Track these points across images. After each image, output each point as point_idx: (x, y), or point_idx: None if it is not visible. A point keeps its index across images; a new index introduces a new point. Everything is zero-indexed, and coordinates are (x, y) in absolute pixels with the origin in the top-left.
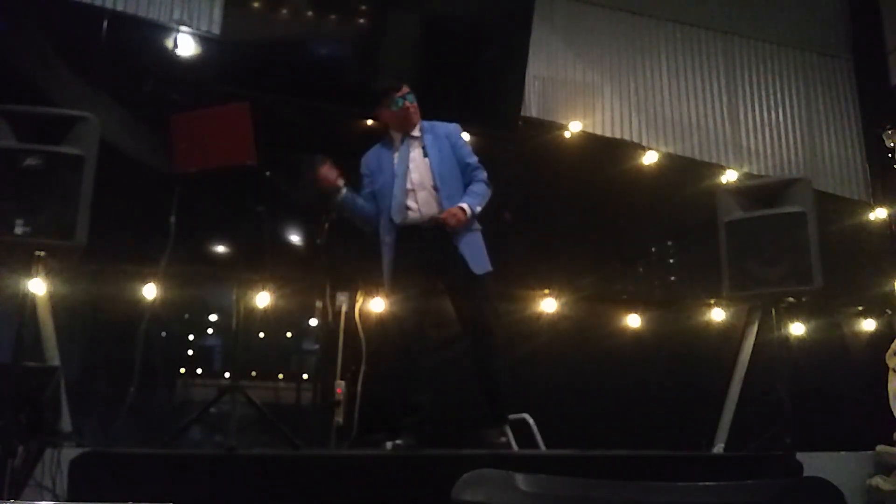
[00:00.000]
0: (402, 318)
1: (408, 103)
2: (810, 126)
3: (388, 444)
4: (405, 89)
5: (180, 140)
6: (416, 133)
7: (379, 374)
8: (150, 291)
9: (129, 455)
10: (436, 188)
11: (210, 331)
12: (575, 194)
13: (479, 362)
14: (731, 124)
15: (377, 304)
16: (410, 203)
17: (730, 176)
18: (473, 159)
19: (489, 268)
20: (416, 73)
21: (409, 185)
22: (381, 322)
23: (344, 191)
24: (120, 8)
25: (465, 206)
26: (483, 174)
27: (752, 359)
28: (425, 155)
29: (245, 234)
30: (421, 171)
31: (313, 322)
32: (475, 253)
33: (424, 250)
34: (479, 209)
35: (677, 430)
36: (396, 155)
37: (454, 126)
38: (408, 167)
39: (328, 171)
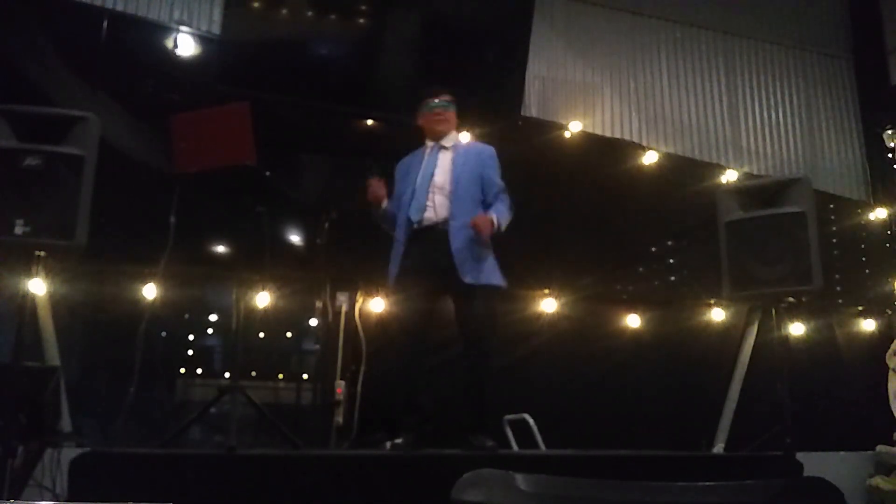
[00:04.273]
0: (405, 318)
1: (439, 109)
2: (810, 126)
3: (388, 444)
4: (444, 96)
5: (180, 140)
6: (447, 143)
7: (380, 373)
8: (150, 291)
9: (129, 455)
10: (451, 192)
11: (210, 331)
12: (575, 194)
13: (469, 368)
14: (731, 124)
15: (377, 304)
16: (429, 203)
17: (730, 176)
18: (500, 183)
19: (494, 282)
20: (415, 73)
21: (430, 189)
22: (382, 322)
23: (385, 203)
24: (120, 8)
25: (493, 216)
26: (507, 199)
27: (752, 359)
28: (453, 164)
29: (245, 234)
30: (444, 176)
31: (313, 322)
32: (481, 266)
33: (434, 252)
34: (503, 226)
35: (677, 430)
36: (425, 160)
37: (490, 148)
38: (433, 172)
39: (378, 187)
